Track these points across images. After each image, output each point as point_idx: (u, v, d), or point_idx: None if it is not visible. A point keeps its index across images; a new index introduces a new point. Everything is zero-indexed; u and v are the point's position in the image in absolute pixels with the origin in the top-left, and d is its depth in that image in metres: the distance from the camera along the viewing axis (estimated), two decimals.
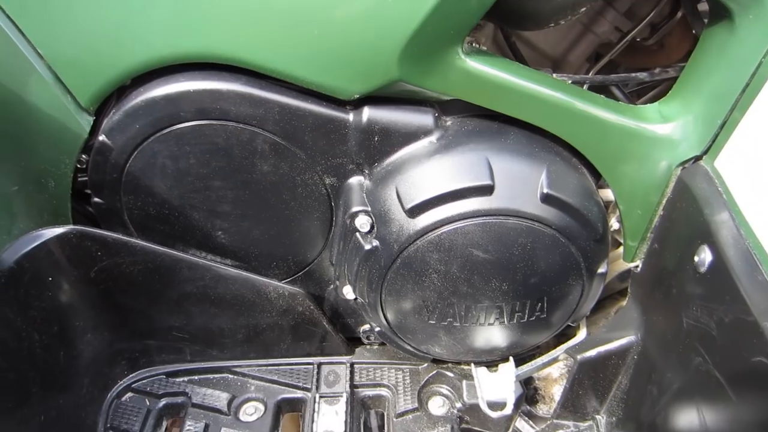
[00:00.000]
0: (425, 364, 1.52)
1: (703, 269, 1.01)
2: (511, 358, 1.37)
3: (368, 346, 1.59)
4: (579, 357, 1.31)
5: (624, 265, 1.44)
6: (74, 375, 1.38)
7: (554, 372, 1.57)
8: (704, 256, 1.01)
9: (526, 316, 1.26)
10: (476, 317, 1.26)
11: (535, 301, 1.24)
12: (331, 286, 1.52)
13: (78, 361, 1.39)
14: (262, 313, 1.46)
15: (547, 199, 1.14)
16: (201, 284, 1.41)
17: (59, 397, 1.30)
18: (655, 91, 1.62)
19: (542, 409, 1.51)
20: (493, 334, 1.30)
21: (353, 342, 1.59)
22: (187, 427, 1.43)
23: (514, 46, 1.37)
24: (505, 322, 1.27)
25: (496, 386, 1.34)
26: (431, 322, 1.27)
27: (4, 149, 1.27)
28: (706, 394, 0.99)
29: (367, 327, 1.55)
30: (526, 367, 1.39)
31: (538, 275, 1.20)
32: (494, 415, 1.30)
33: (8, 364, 1.13)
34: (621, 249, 1.43)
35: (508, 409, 1.30)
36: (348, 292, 1.35)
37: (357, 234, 1.24)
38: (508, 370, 1.36)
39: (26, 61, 1.19)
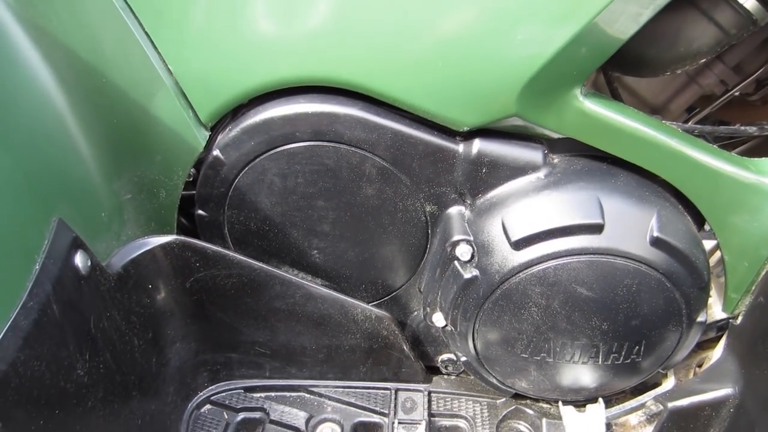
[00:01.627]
0: (503, 399, 1.50)
1: None
2: (600, 399, 1.34)
3: (445, 376, 1.57)
4: (670, 405, 1.27)
5: (714, 317, 1.41)
6: (163, 382, 1.39)
7: (632, 419, 1.53)
8: None
9: (622, 358, 1.24)
10: (571, 354, 1.24)
11: (633, 343, 1.22)
12: (415, 313, 1.52)
13: (166, 369, 1.41)
14: (347, 334, 1.47)
15: (656, 242, 1.14)
16: (291, 301, 1.43)
17: (152, 403, 1.31)
18: (744, 147, 1.62)
19: None
20: (584, 373, 1.28)
21: (430, 371, 1.58)
22: None
23: (615, 91, 1.39)
24: (599, 362, 1.25)
25: (583, 426, 1.31)
26: (523, 355, 1.26)
27: (124, 158, 1.32)
28: None
29: (446, 357, 1.54)
30: (614, 410, 1.36)
31: (639, 318, 1.18)
32: None
33: (116, 366, 1.15)
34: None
35: None
36: (438, 320, 1.35)
37: (456, 262, 1.25)
38: (597, 411, 1.33)
39: (156, 75, 1.24)
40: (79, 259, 1.08)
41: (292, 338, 1.50)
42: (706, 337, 1.50)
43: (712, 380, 1.27)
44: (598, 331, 1.20)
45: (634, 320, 1.18)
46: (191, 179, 1.37)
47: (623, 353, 1.23)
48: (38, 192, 1.12)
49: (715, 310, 1.43)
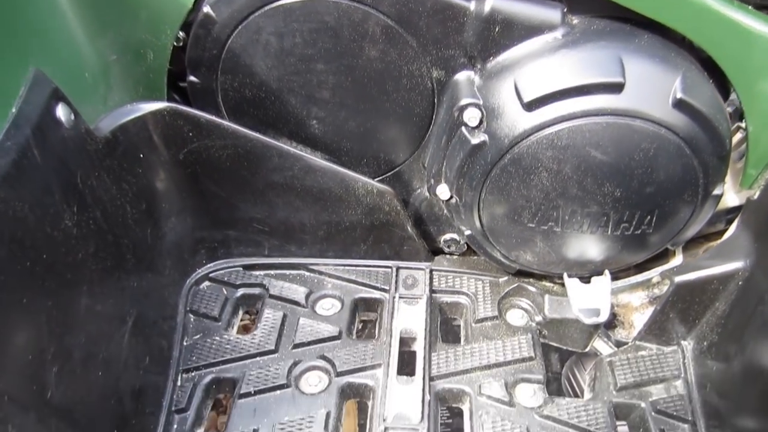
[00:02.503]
0: (505, 277, 1.47)
1: None
2: (607, 272, 1.31)
3: (448, 256, 1.54)
4: (677, 279, 1.24)
5: (727, 204, 1.36)
6: (159, 255, 1.35)
7: (634, 300, 1.51)
8: None
9: (632, 228, 1.19)
10: (580, 224, 1.19)
11: (645, 213, 1.17)
12: (418, 191, 1.46)
13: (162, 243, 1.36)
14: (347, 209, 1.42)
15: (679, 104, 1.06)
16: (289, 174, 1.37)
17: (147, 273, 1.27)
18: None
19: (620, 334, 1.46)
20: (592, 244, 1.24)
21: (434, 253, 1.54)
22: (266, 315, 1.41)
23: None
24: (608, 232, 1.21)
25: (587, 297, 1.29)
26: (530, 225, 1.22)
27: (107, 13, 1.21)
28: None
29: (448, 236, 1.50)
30: (620, 283, 1.33)
31: (654, 185, 1.13)
32: (589, 321, 1.26)
33: (107, 226, 1.10)
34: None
35: (603, 316, 1.25)
36: (443, 192, 1.30)
37: (464, 128, 1.18)
38: (603, 283, 1.30)
39: None
40: (61, 112, 1.00)
41: (290, 214, 1.45)
42: (713, 228, 1.45)
43: (722, 255, 1.23)
44: (610, 198, 1.14)
45: (648, 188, 1.13)
46: (181, 44, 1.27)
47: (634, 223, 1.19)
48: (13, 40, 1.03)
49: (728, 197, 1.38)
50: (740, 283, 1.19)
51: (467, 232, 1.33)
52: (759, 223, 1.19)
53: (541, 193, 1.16)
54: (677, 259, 1.36)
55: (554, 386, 1.92)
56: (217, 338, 1.36)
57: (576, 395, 1.73)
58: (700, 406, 1.21)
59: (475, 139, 1.16)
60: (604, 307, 1.25)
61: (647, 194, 1.14)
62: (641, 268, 1.40)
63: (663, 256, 1.38)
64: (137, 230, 1.23)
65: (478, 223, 1.27)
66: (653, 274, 1.34)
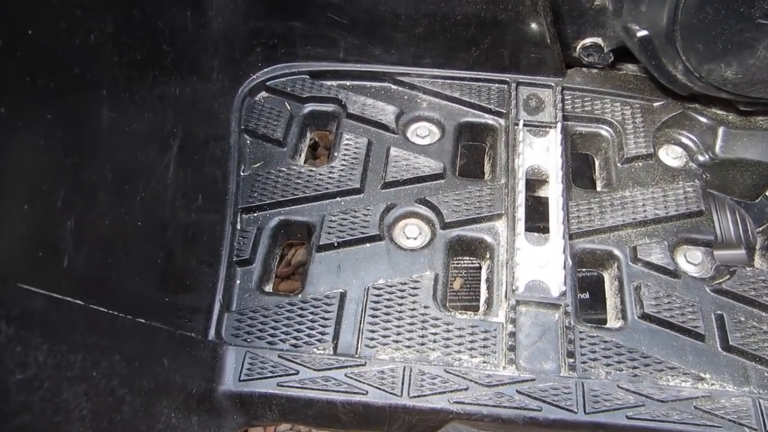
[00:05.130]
0: (662, 101, 1.07)
1: None
2: None
3: (585, 70, 1.13)
4: None
5: None
6: (204, 51, 0.96)
7: None
8: None
9: None
10: None
11: None
12: None
13: (207, 33, 0.96)
14: None
15: None
16: None
17: (192, 76, 0.89)
18: None
19: None
20: None
21: (567, 66, 1.12)
22: (346, 142, 1.05)
23: None
24: None
25: None
26: (762, 21, 0.79)
27: None
28: None
29: (589, 41, 1.08)
30: None
31: None
32: None
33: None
34: None
35: None
36: None
37: None
38: None
39: None
40: None
41: (381, 0, 1.03)
42: None
43: None
44: None
45: None
46: None
47: None
48: None
49: None
50: None
51: (641, 33, 0.91)
52: None
53: None
54: None
55: None
56: (284, 169, 1.02)
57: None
58: None
59: None
60: None
61: None
62: None
63: None
64: (174, 9, 0.83)
65: (667, 17, 0.85)
66: None
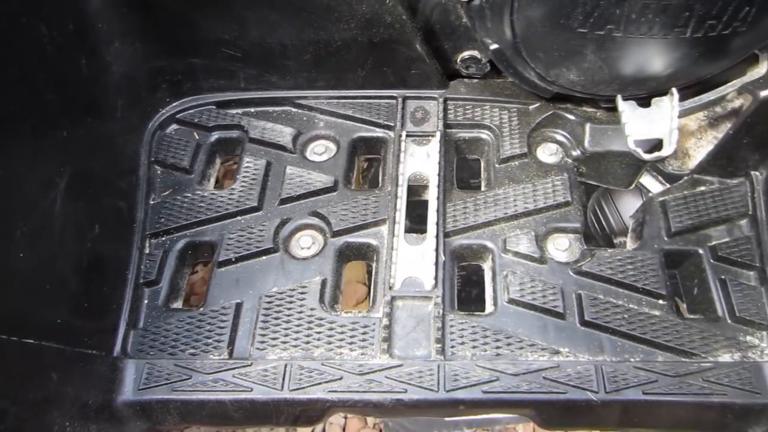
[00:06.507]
0: (537, 104, 1.16)
1: None
2: (674, 90, 1.00)
3: (466, 80, 1.21)
4: (763, 94, 0.93)
5: None
6: (104, 93, 1.05)
7: (691, 123, 1.21)
8: None
9: (720, 26, 0.85)
10: (650, 25, 0.85)
11: (744, 1, 0.82)
12: None
13: (106, 77, 1.05)
14: (338, 23, 1.07)
15: None
16: None
17: (87, 118, 0.98)
18: None
19: (672, 165, 1.19)
20: (660, 52, 0.91)
21: (449, 77, 1.21)
22: (246, 164, 1.13)
23: None
24: (687, 35, 0.87)
25: (647, 124, 0.99)
26: (581, 30, 0.88)
27: None
28: None
29: (467, 54, 1.16)
30: (688, 103, 1.02)
31: None
32: (648, 157, 0.97)
33: (10, 54, 0.79)
34: None
35: (667, 150, 0.96)
36: None
37: None
38: (667, 104, 0.99)
39: None
40: None
41: (267, 33, 1.12)
42: None
43: None
44: None
45: None
46: None
47: (725, 19, 0.84)
48: None
49: None
50: None
51: (493, 47, 1.00)
52: None
53: None
54: (761, 69, 1.03)
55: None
56: (190, 195, 1.10)
57: (604, 233, 1.52)
58: None
59: None
60: (669, 136, 0.96)
61: None
62: (709, 82, 1.07)
63: (740, 65, 1.05)
64: (61, 59, 0.91)
65: (509, 32, 0.94)
66: (730, 89, 1.01)
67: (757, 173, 1.05)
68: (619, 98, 1.01)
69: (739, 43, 0.91)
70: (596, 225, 1.56)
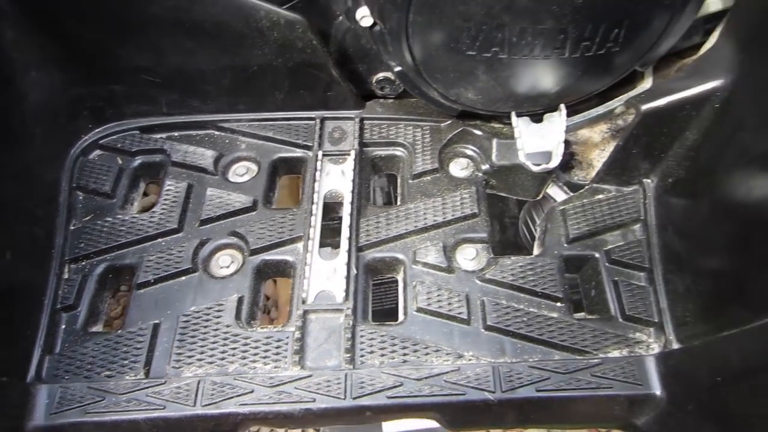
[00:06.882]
0: (448, 121, 1.22)
1: None
2: (562, 107, 1.07)
3: (382, 100, 1.27)
4: (644, 107, 1.01)
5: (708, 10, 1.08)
6: (20, 123, 1.06)
7: (595, 136, 1.29)
8: None
9: (595, 47, 0.93)
10: (530, 46, 0.92)
11: (613, 24, 0.90)
12: (340, 19, 1.15)
13: (23, 106, 1.07)
14: (253, 49, 1.11)
15: None
16: (170, 5, 1.05)
17: (3, 148, 0.99)
18: None
19: (578, 176, 1.25)
20: (545, 72, 0.98)
21: (366, 98, 1.26)
22: (167, 188, 1.16)
23: None
24: (566, 55, 0.94)
25: (540, 139, 1.06)
26: (470, 53, 0.94)
27: None
28: None
29: (381, 75, 1.22)
30: (578, 118, 1.09)
31: None
32: (536, 169, 1.04)
33: None
34: None
35: (554, 162, 1.03)
36: (363, 16, 0.99)
37: None
38: (557, 120, 1.06)
39: None
40: None
41: (184, 59, 1.15)
42: (689, 42, 1.18)
43: (697, 74, 0.98)
44: (569, 7, 0.86)
45: None
46: None
47: (598, 40, 0.92)
48: None
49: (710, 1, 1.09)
50: (717, 105, 0.96)
51: (397, 69, 1.05)
52: (746, 29, 0.93)
53: (482, 7, 0.87)
54: (646, 84, 1.11)
55: (512, 232, 1.78)
56: (110, 219, 1.11)
57: (534, 242, 1.58)
58: (659, 251, 1.03)
59: None
60: (556, 149, 1.02)
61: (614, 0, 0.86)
62: (604, 97, 1.15)
63: (629, 81, 1.13)
64: None
65: (408, 56, 0.99)
66: (617, 103, 1.09)
67: (649, 180, 1.13)
68: (513, 115, 1.08)
69: (616, 62, 0.99)
70: (527, 235, 1.63)
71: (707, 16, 1.07)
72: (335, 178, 1.15)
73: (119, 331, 0.98)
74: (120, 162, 1.21)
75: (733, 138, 0.92)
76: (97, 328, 1.02)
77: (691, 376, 0.83)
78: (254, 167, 1.20)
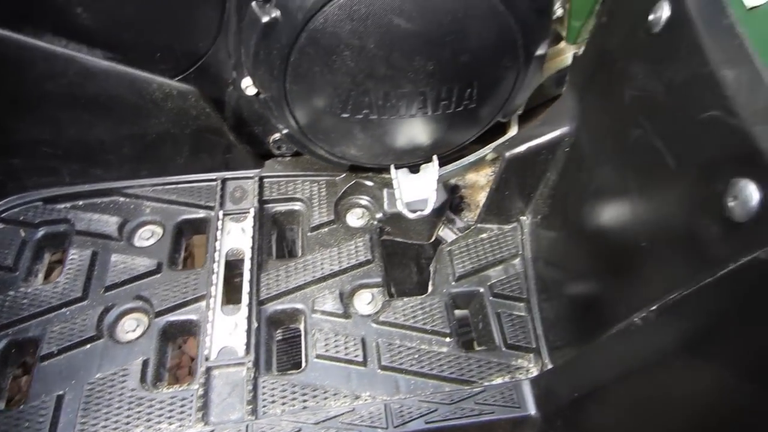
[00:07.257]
0: (343, 175, 1.30)
1: (657, 28, 0.81)
2: (435, 158, 1.17)
3: (279, 159, 1.34)
4: (507, 154, 1.12)
5: (561, 63, 1.22)
6: None
7: (481, 179, 1.40)
8: (661, 13, 0.81)
9: (453, 105, 1.04)
10: (396, 108, 1.02)
11: (465, 85, 1.01)
12: (232, 87, 1.22)
13: None
14: (149, 119, 1.17)
15: None
16: (64, 81, 1.09)
17: None
18: None
19: (467, 217, 1.36)
20: (414, 128, 1.08)
21: (264, 157, 1.33)
22: (71, 257, 1.18)
23: None
24: (429, 113, 1.04)
25: (417, 188, 1.15)
26: (344, 116, 1.03)
27: None
28: (642, 168, 0.83)
29: (277, 135, 1.29)
30: (451, 167, 1.20)
31: (468, 53, 0.96)
32: (412, 216, 1.13)
33: None
34: (561, 44, 1.21)
35: (428, 209, 1.12)
36: (248, 86, 1.07)
37: (253, 4, 0.94)
38: (431, 170, 1.16)
39: None
40: None
41: (83, 132, 1.19)
42: (550, 94, 1.32)
43: (550, 122, 1.11)
44: (423, 73, 0.97)
45: (463, 56, 0.96)
46: None
47: (454, 99, 1.03)
48: None
49: (566, 57, 1.24)
50: (566, 149, 1.08)
51: (285, 131, 1.13)
52: (584, 81, 1.07)
53: (347, 76, 0.96)
54: (512, 131, 1.23)
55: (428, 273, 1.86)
56: (12, 293, 1.12)
57: None
58: (534, 282, 1.14)
59: (266, 16, 0.93)
60: (431, 197, 1.12)
61: (463, 64, 0.98)
62: (480, 144, 1.27)
63: (500, 129, 1.25)
64: None
65: (292, 120, 1.07)
66: (487, 150, 1.21)
67: (525, 218, 1.24)
68: (392, 167, 1.17)
69: (477, 116, 1.10)
70: None
71: (559, 71, 1.21)
72: (236, 236, 1.21)
73: (21, 407, 0.98)
74: (23, 234, 1.23)
75: (578, 176, 1.04)
76: (0, 405, 1.02)
77: (557, 395, 0.92)
78: (159, 230, 1.24)
